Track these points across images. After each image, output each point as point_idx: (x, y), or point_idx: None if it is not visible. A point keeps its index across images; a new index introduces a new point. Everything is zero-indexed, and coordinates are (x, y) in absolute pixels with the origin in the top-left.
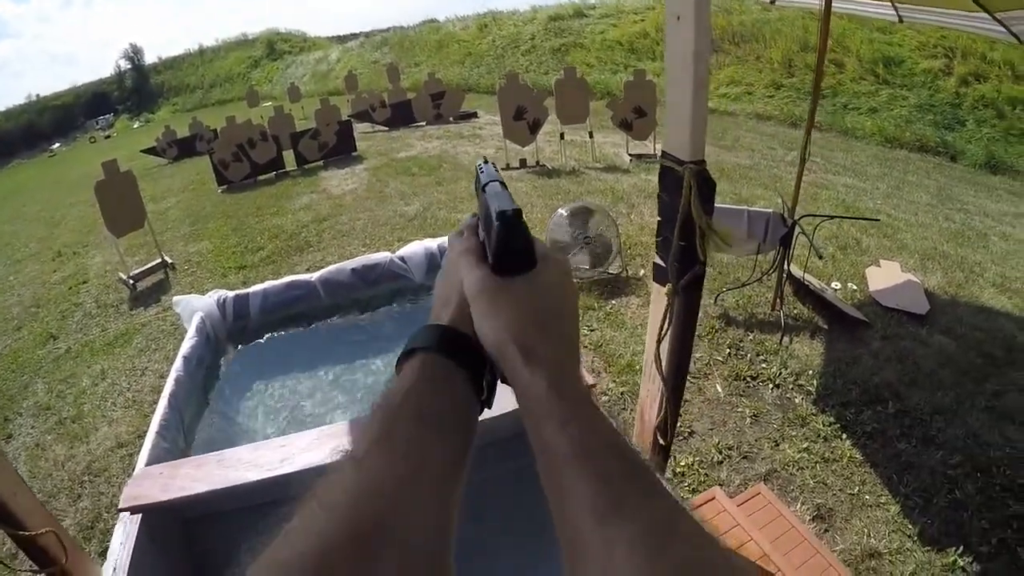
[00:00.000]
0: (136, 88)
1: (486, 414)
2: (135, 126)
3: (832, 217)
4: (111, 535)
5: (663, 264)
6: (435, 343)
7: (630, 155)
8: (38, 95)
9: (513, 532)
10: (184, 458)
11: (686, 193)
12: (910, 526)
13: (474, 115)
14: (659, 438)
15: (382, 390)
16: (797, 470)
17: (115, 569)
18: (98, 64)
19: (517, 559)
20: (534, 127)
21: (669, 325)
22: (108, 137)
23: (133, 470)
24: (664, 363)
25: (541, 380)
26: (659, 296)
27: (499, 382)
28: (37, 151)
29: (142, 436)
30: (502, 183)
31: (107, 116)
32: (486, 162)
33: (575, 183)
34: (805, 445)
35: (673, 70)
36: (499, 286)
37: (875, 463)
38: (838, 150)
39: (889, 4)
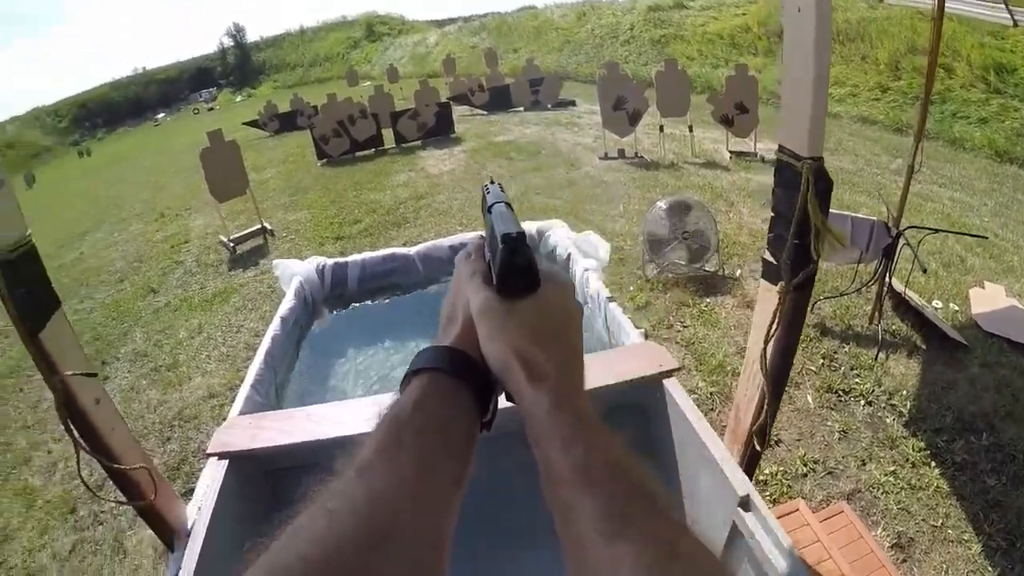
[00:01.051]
0: (238, 64)
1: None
2: (237, 100)
3: (939, 231)
4: (195, 478)
5: (774, 261)
6: (441, 363)
7: (730, 152)
8: (144, 68)
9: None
10: (274, 411)
11: (804, 189)
12: (991, 568)
13: (572, 103)
14: (755, 442)
15: (389, 402)
16: (881, 493)
17: (200, 509)
18: (202, 41)
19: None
20: (634, 118)
21: (778, 325)
22: (211, 109)
23: (224, 419)
24: (768, 363)
25: (545, 399)
26: (768, 294)
27: (499, 404)
28: (142, 120)
29: (233, 388)
30: (508, 204)
31: (210, 90)
32: (492, 183)
33: (673, 177)
34: (892, 468)
35: (792, 63)
36: (504, 307)
37: (962, 496)
38: (944, 160)
39: (1003, 6)
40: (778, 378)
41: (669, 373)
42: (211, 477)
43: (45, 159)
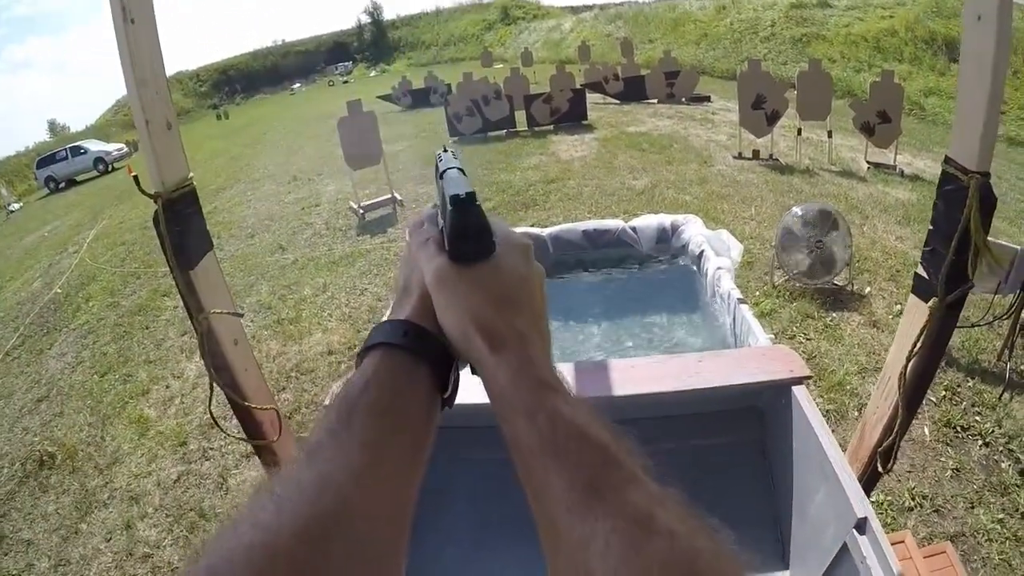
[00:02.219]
0: (374, 41)
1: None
2: (371, 75)
3: None
4: (305, 429)
5: (926, 276)
6: (395, 338)
7: (868, 162)
8: (283, 40)
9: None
10: None
11: (969, 204)
12: None
13: (707, 99)
14: (879, 463)
15: (343, 381)
16: (986, 540)
17: None
18: (340, 16)
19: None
20: (772, 118)
21: (922, 343)
22: (346, 82)
23: (339, 376)
24: (907, 380)
25: (507, 368)
26: (917, 309)
27: (461, 377)
28: (279, 89)
29: (352, 347)
30: (461, 169)
31: (346, 64)
32: (445, 150)
33: (808, 183)
34: (1001, 516)
35: (968, 73)
36: (458, 274)
37: None
38: None
39: None
40: (914, 397)
41: (800, 380)
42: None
43: (184, 120)
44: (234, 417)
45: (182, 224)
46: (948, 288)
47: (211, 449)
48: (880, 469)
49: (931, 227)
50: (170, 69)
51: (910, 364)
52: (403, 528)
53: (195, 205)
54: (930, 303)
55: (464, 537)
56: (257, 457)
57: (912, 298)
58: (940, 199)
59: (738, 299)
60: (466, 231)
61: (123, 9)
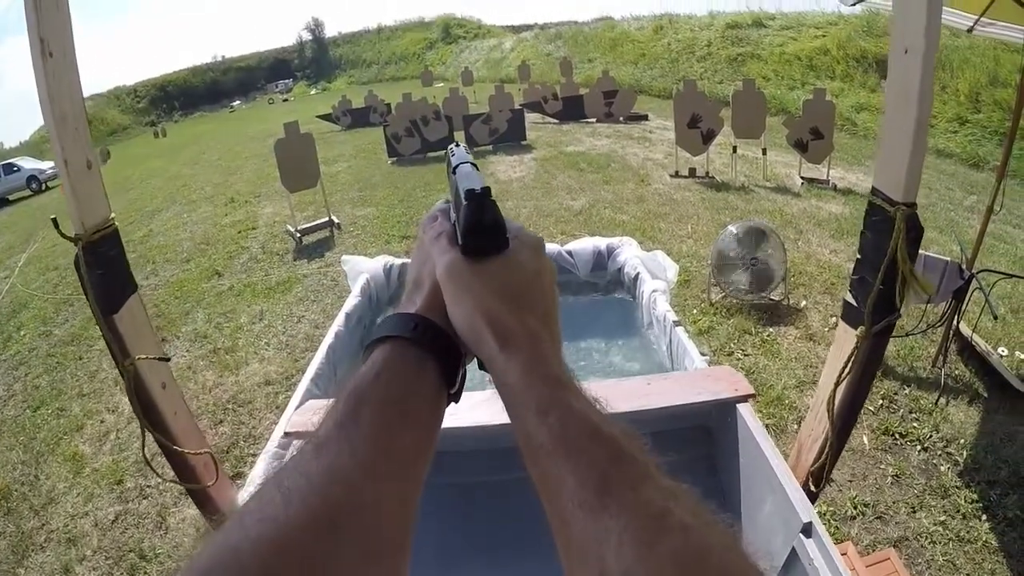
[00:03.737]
0: (315, 58)
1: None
2: (312, 93)
3: (1014, 276)
4: (244, 463)
5: (855, 304)
6: (405, 331)
7: (802, 178)
8: (223, 56)
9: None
10: None
11: (895, 236)
12: None
13: (645, 117)
14: (811, 483)
15: (349, 374)
16: (929, 543)
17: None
18: (281, 33)
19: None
20: (708, 137)
21: (851, 370)
22: (285, 100)
23: (279, 408)
24: (836, 406)
25: (517, 365)
26: (846, 336)
27: (467, 374)
28: (219, 106)
29: (290, 378)
30: (473, 164)
31: (287, 81)
32: (457, 145)
33: (743, 200)
34: (943, 518)
35: (894, 104)
36: (470, 268)
37: (1010, 553)
38: (1021, 200)
39: None
40: (845, 422)
41: (744, 398)
42: (286, 456)
43: (121, 137)
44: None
45: (104, 267)
46: (875, 317)
47: (149, 487)
48: (812, 488)
49: (859, 256)
50: (107, 84)
51: (840, 389)
52: (408, 523)
53: (117, 247)
54: (858, 331)
55: (430, 562)
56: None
57: (841, 324)
58: (868, 229)
59: (673, 321)
60: (480, 225)
61: (41, 42)
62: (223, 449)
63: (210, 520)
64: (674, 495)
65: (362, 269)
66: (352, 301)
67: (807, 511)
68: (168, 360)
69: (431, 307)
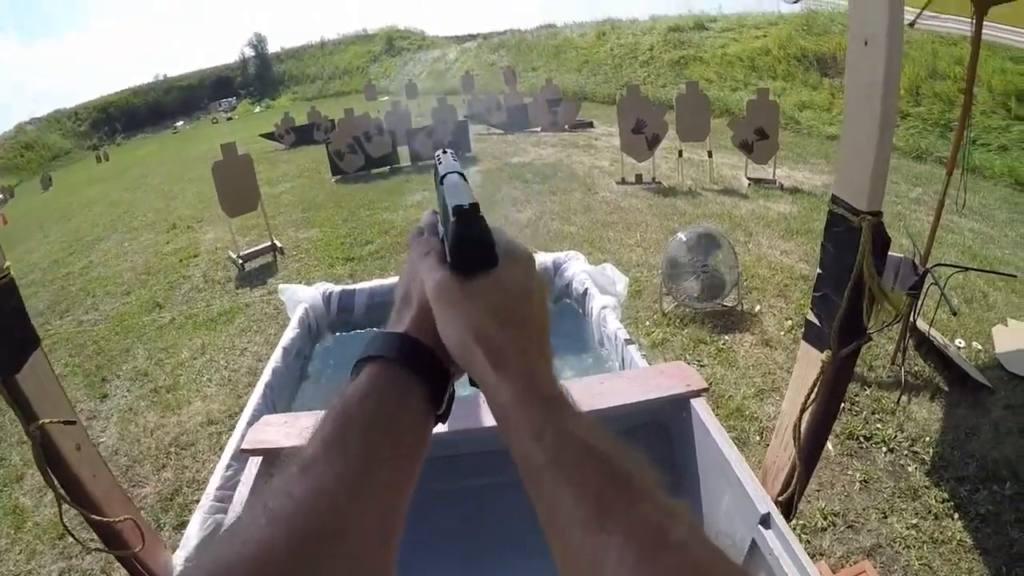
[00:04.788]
0: (258, 75)
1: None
2: (256, 111)
3: (969, 269)
4: (188, 510)
5: (818, 323)
6: (392, 352)
7: (749, 179)
8: (165, 75)
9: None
10: (309, 411)
11: (861, 249)
12: None
13: (590, 124)
14: (780, 513)
15: (337, 394)
16: (904, 548)
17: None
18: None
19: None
20: (652, 142)
21: (817, 395)
22: (229, 119)
23: (221, 449)
24: (802, 433)
25: (510, 385)
26: (810, 359)
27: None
28: (161, 127)
29: (233, 416)
30: (461, 174)
31: (230, 99)
32: (444, 152)
33: (691, 204)
34: (915, 521)
35: (855, 102)
36: (460, 287)
37: (985, 550)
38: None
39: None
40: (812, 449)
41: (697, 393)
42: (245, 472)
43: (63, 162)
44: None
45: (1, 322)
46: (842, 340)
47: (93, 540)
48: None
49: (820, 271)
50: (47, 107)
51: (805, 415)
52: (393, 542)
53: (14, 299)
54: (824, 355)
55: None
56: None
57: (804, 345)
58: (828, 242)
59: (625, 339)
60: (469, 243)
61: None
62: (167, 497)
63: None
64: (671, 512)
65: (300, 298)
66: (290, 334)
67: (764, 502)
68: (75, 423)
69: (420, 326)
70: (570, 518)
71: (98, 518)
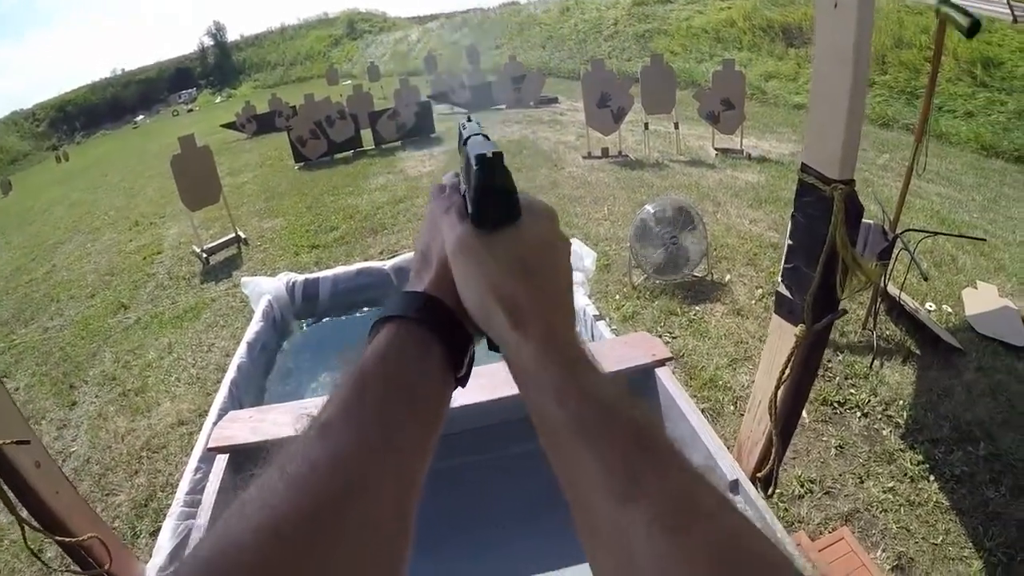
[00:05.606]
0: (218, 64)
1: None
2: (217, 101)
3: (938, 234)
4: (163, 516)
5: (789, 296)
6: (412, 311)
7: (716, 149)
8: (123, 69)
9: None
10: (274, 404)
11: (834, 220)
12: None
13: (555, 100)
14: (759, 489)
15: (354, 355)
16: (881, 512)
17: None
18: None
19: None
20: (618, 115)
21: (792, 369)
22: (190, 111)
23: (191, 450)
24: (776, 407)
25: (531, 344)
26: (783, 332)
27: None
28: (121, 123)
29: (203, 415)
30: (486, 136)
31: (190, 91)
32: (469, 120)
33: (659, 176)
34: (891, 485)
35: (824, 67)
36: (481, 242)
37: (961, 511)
38: (931, 156)
39: (1004, 1)
40: (788, 423)
41: (662, 362)
42: (212, 471)
43: (23, 165)
44: None
45: None
46: (816, 314)
47: (63, 556)
48: (762, 495)
49: (790, 242)
50: (3, 110)
51: (780, 389)
52: (411, 508)
53: None
54: (797, 329)
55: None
56: None
57: (775, 318)
58: (798, 211)
59: (594, 315)
60: (491, 191)
61: None
62: (141, 503)
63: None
64: (698, 479)
65: (264, 290)
66: (254, 328)
67: (732, 469)
68: (28, 443)
69: (439, 285)
70: (594, 485)
71: (62, 539)
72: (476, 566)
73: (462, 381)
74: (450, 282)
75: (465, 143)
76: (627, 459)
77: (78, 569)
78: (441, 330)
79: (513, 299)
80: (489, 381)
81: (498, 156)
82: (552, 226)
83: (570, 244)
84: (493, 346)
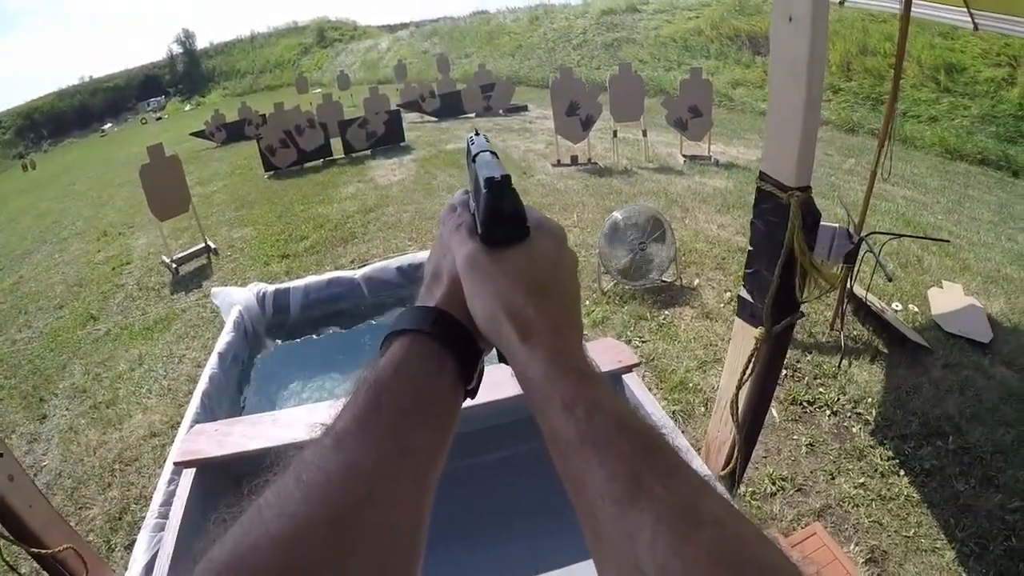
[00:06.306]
0: (187, 72)
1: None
2: (186, 109)
3: (902, 236)
4: (137, 528)
5: (751, 300)
6: (424, 325)
7: (684, 156)
8: (91, 76)
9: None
10: (240, 416)
11: (791, 226)
12: (964, 575)
13: (524, 108)
14: (725, 487)
15: (368, 365)
16: (852, 507)
17: (167, 520)
18: (150, 48)
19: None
20: (587, 123)
21: (753, 370)
22: (159, 119)
23: (163, 463)
24: (740, 408)
25: (540, 358)
26: (744, 333)
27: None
28: (89, 131)
29: (175, 427)
30: (493, 152)
31: (159, 98)
32: (477, 134)
33: (627, 183)
34: (862, 480)
35: (780, 80)
36: (490, 259)
37: (932, 503)
38: (897, 159)
39: (964, 10)
40: (752, 423)
41: (629, 368)
42: (179, 486)
43: None
44: None
45: None
46: (775, 317)
47: (40, 571)
48: (727, 493)
49: (751, 248)
50: None
51: (743, 391)
52: (425, 516)
53: None
54: (757, 331)
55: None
56: None
57: (738, 322)
58: (758, 218)
59: None
60: (500, 214)
61: None
62: (115, 516)
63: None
64: (703, 487)
65: (234, 300)
66: (225, 338)
67: (702, 469)
68: (2, 456)
69: (450, 300)
70: (601, 494)
71: (37, 550)
72: (486, 562)
73: (472, 393)
74: (460, 297)
75: (474, 160)
76: (633, 468)
77: None
78: (453, 344)
79: (522, 314)
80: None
81: (506, 179)
82: (559, 244)
83: (576, 260)
84: (502, 358)
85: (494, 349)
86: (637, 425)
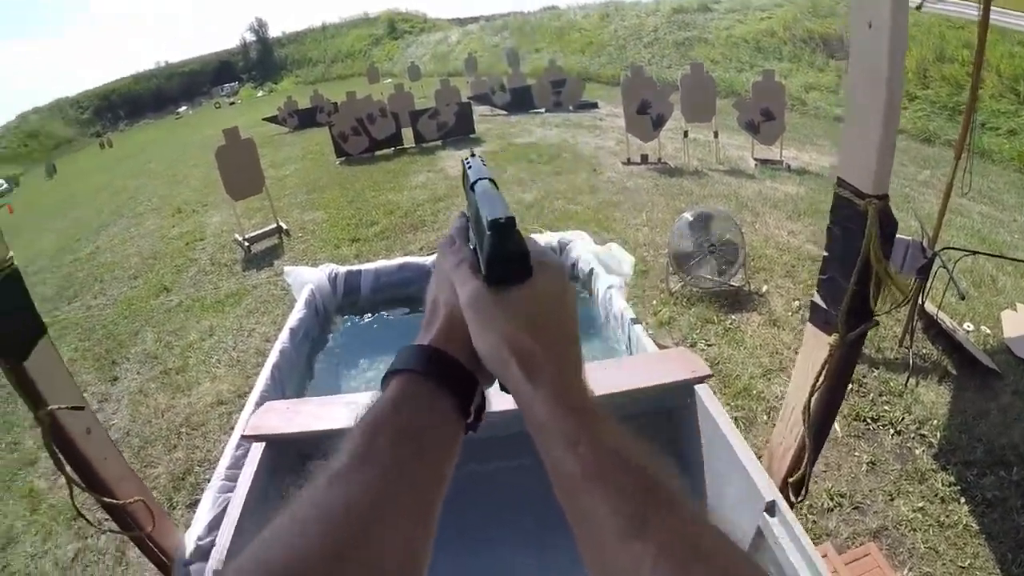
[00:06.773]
0: (260, 59)
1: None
2: (258, 95)
3: (977, 253)
4: (200, 490)
5: (824, 306)
6: (419, 364)
7: (755, 159)
8: (167, 62)
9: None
10: (311, 397)
11: (868, 233)
12: None
13: (594, 105)
14: (790, 494)
15: (368, 404)
16: (909, 531)
17: (231, 492)
18: (225, 35)
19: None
20: (658, 123)
21: (825, 377)
22: (232, 104)
23: (231, 428)
24: (810, 416)
25: (545, 395)
26: (816, 340)
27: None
28: (164, 113)
29: (242, 396)
30: (492, 180)
31: (232, 84)
32: (473, 155)
33: (698, 184)
34: (921, 504)
35: (859, 86)
36: (494, 299)
37: (991, 535)
38: (973, 173)
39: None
40: (821, 430)
41: (702, 379)
42: (247, 459)
43: (66, 150)
44: None
45: (6, 311)
46: (849, 324)
47: (106, 520)
48: (792, 499)
49: (826, 254)
50: (48, 97)
51: (814, 397)
52: (423, 553)
53: (19, 287)
54: (831, 338)
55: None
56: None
57: (810, 327)
58: (835, 225)
59: (631, 319)
60: (505, 257)
61: None
62: (179, 476)
63: (158, 566)
64: (702, 521)
65: (306, 279)
66: (296, 315)
67: (770, 490)
68: (83, 408)
69: (448, 336)
70: (604, 528)
71: (109, 500)
72: (496, 569)
73: (473, 426)
74: (459, 333)
75: (472, 187)
76: (635, 503)
77: (118, 529)
78: (448, 381)
79: (527, 352)
80: None
81: (510, 221)
82: (561, 281)
83: (575, 295)
84: (504, 387)
85: (497, 381)
86: (639, 460)
